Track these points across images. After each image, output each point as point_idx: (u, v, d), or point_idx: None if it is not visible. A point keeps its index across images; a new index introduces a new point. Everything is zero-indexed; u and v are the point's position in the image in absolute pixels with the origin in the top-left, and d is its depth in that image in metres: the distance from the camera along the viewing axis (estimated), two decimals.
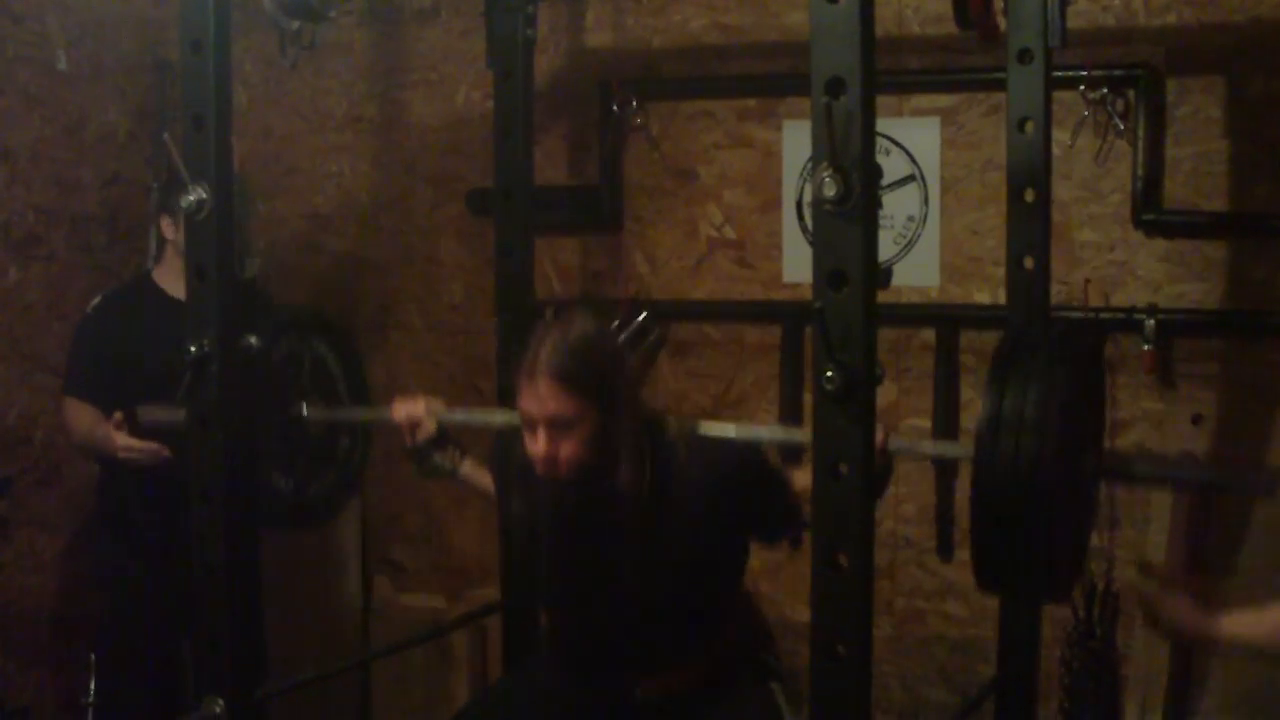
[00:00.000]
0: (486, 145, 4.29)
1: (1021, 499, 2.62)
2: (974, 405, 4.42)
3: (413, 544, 5.23)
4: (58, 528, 4.78)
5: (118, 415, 4.03)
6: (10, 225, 4.68)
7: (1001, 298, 3.85)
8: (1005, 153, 3.67)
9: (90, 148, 4.98)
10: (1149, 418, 4.26)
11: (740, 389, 4.74)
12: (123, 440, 4.04)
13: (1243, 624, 2.78)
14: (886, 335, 4.37)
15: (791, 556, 4.39)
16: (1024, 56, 3.57)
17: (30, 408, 4.66)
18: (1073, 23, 3.64)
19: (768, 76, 4.64)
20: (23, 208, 4.73)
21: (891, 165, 4.43)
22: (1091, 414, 2.95)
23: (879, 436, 2.97)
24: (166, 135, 3.05)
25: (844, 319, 2.28)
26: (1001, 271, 3.84)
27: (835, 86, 2.25)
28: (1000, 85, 3.76)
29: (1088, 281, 4.26)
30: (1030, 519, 2.63)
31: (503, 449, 3.35)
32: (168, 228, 4.24)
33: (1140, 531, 4.18)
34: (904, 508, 4.49)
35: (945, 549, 4.47)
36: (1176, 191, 4.18)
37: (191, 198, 2.91)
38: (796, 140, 4.58)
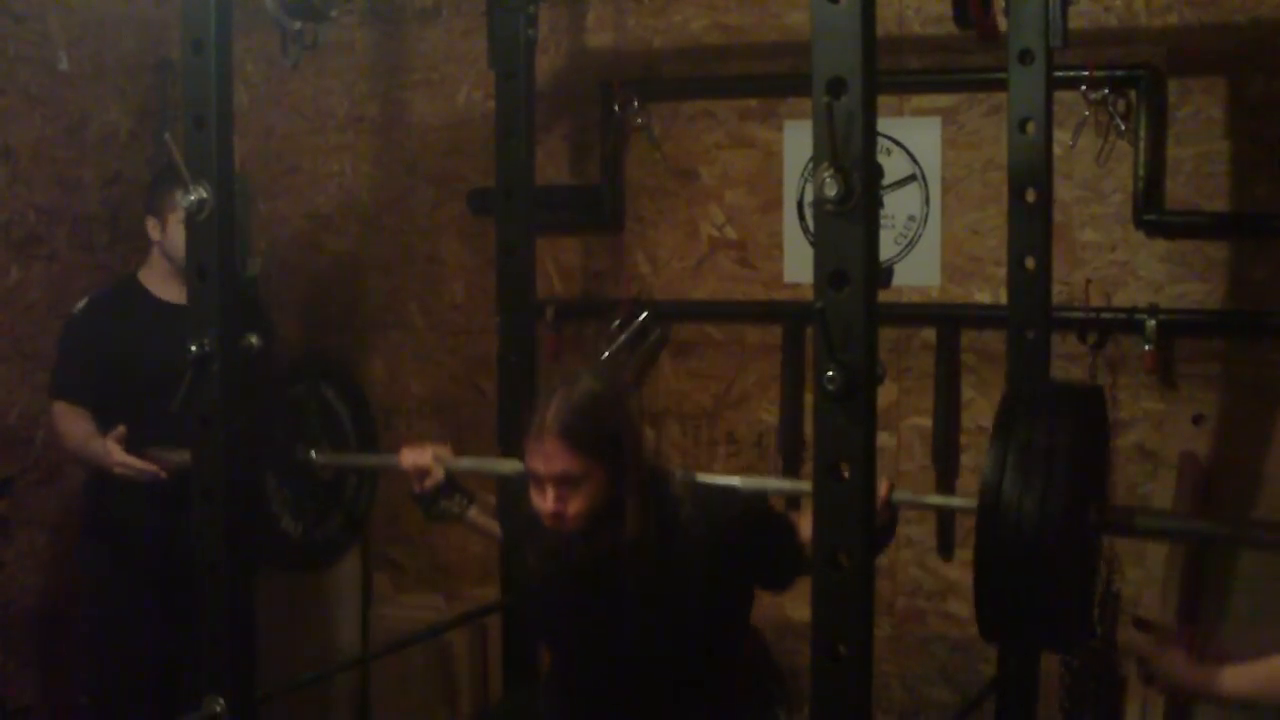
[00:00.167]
0: (488, 145, 4.29)
1: (1025, 553, 2.66)
2: (975, 405, 4.43)
3: (412, 543, 5.23)
4: (58, 527, 4.77)
5: (120, 430, 4.02)
6: (11, 225, 4.68)
7: (1002, 298, 3.85)
8: (1006, 153, 3.67)
9: (92, 147, 4.98)
10: (1150, 418, 4.26)
11: (741, 389, 4.74)
12: (120, 457, 4.02)
13: (1243, 678, 2.77)
14: (887, 335, 4.37)
15: None
16: (1025, 57, 3.57)
17: (31, 408, 4.65)
18: (1074, 23, 3.64)
19: (769, 77, 4.64)
20: (24, 207, 4.73)
21: (892, 165, 4.43)
22: (1094, 470, 2.99)
23: (883, 489, 3.02)
24: (168, 135, 3.05)
25: (845, 319, 2.28)
26: (1002, 271, 3.84)
27: (836, 86, 2.25)
28: (1001, 85, 3.76)
29: (1089, 282, 4.26)
30: (1034, 573, 2.67)
31: (510, 499, 3.37)
32: (153, 229, 4.21)
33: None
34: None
35: (946, 548, 4.47)
36: (1178, 192, 4.18)
37: (192, 197, 2.91)
38: (797, 140, 4.58)
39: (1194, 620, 3.97)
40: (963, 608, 4.47)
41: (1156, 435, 4.25)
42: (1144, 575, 4.15)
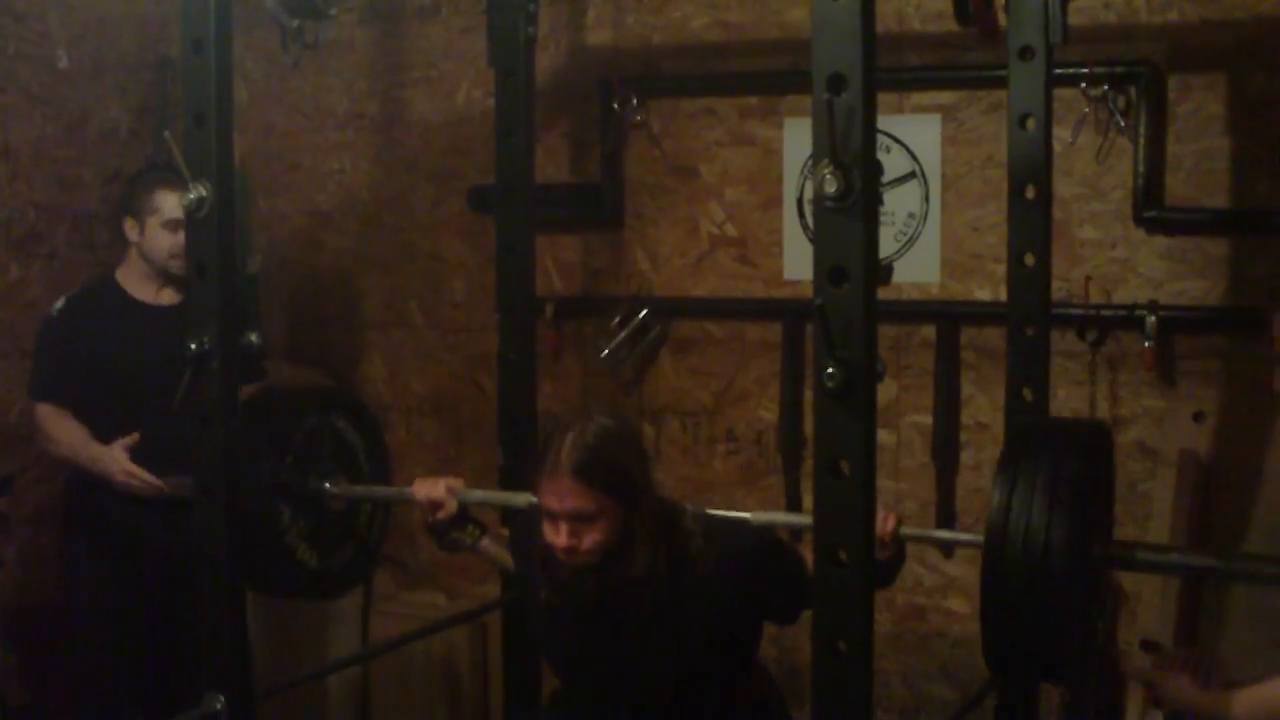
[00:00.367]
0: (488, 143, 4.29)
1: (1031, 587, 2.71)
2: (974, 402, 4.43)
3: (413, 541, 5.23)
4: (60, 526, 4.76)
5: (133, 437, 4.01)
6: (12, 223, 4.69)
7: (1002, 295, 3.85)
8: (1006, 150, 3.67)
9: (92, 145, 4.98)
10: (1150, 415, 4.26)
11: (741, 386, 4.74)
12: (127, 465, 4.03)
13: (1254, 702, 2.77)
14: (887, 332, 4.38)
15: None
16: (1025, 53, 3.56)
17: (32, 405, 4.64)
18: (1074, 19, 3.64)
19: (768, 74, 4.64)
20: (24, 205, 4.73)
21: (892, 162, 4.44)
22: (1098, 505, 3.02)
23: (890, 523, 3.06)
24: (167, 133, 3.06)
25: (845, 316, 2.27)
26: (1002, 268, 3.84)
27: (836, 83, 2.25)
28: (1001, 82, 3.76)
29: (1089, 279, 4.26)
30: (1039, 607, 2.72)
31: (523, 531, 3.41)
32: (131, 229, 4.20)
33: (1141, 529, 4.18)
34: (905, 504, 4.49)
35: (946, 546, 4.47)
36: (1178, 189, 4.18)
37: (192, 195, 2.91)
38: (797, 137, 4.58)
39: (1194, 639, 3.97)
40: (963, 604, 4.47)
41: (1156, 432, 4.25)
42: (1141, 589, 4.15)
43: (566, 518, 2.98)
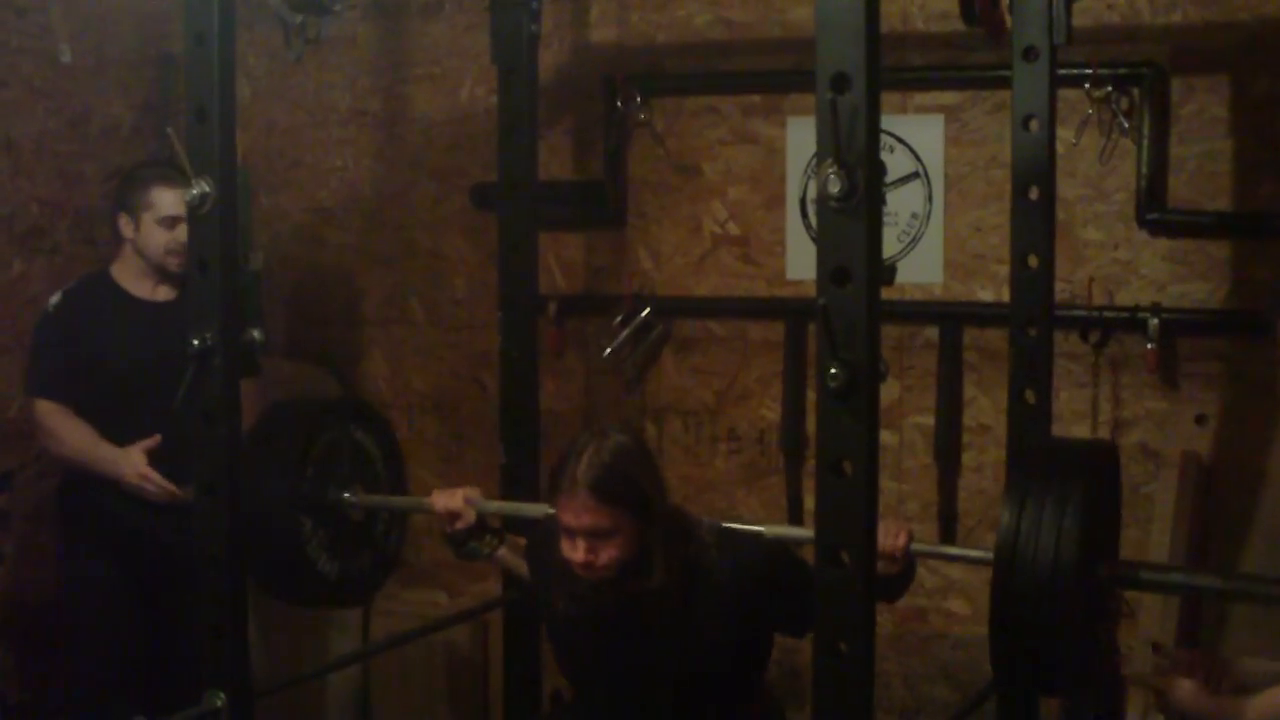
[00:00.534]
0: (491, 140, 4.29)
1: (1040, 605, 2.76)
2: (976, 403, 4.42)
3: (414, 539, 5.22)
4: (55, 521, 4.76)
5: (155, 439, 4.00)
6: (14, 218, 4.68)
7: (1005, 295, 3.85)
8: (1009, 150, 3.66)
9: (94, 140, 4.98)
10: (1152, 417, 4.26)
11: (743, 386, 4.74)
12: (143, 469, 4.01)
13: (1268, 707, 2.77)
14: (889, 332, 4.37)
15: None
16: (1029, 54, 3.56)
17: (31, 402, 4.64)
18: (1078, 20, 3.63)
19: (772, 73, 4.63)
20: (26, 200, 4.73)
21: (895, 162, 4.43)
22: (1105, 525, 3.07)
23: (902, 539, 3.08)
24: (170, 128, 3.05)
25: (848, 316, 2.27)
26: (1005, 269, 3.83)
27: (840, 83, 2.24)
28: (1005, 83, 3.76)
29: (1091, 280, 4.26)
30: (1048, 624, 2.77)
31: (540, 543, 3.44)
32: (125, 226, 4.18)
33: (1143, 531, 4.17)
34: (907, 505, 4.49)
35: (934, 557, 4.46)
36: (1181, 191, 4.18)
37: (194, 191, 2.91)
38: (800, 137, 4.58)
39: (1195, 642, 3.97)
40: (964, 606, 4.47)
41: (1158, 434, 4.24)
42: (1143, 595, 4.14)
43: (584, 534, 3.03)
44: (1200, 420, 4.19)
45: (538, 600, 3.48)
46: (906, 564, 3.17)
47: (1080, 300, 4.25)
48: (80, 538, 4.26)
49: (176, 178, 3.55)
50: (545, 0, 4.20)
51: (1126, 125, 4.20)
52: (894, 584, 3.18)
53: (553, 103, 4.77)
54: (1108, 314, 4.22)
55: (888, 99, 3.48)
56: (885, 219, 2.51)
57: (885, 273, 2.32)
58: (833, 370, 2.27)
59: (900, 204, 4.46)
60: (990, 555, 2.88)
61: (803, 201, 4.58)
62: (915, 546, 3.16)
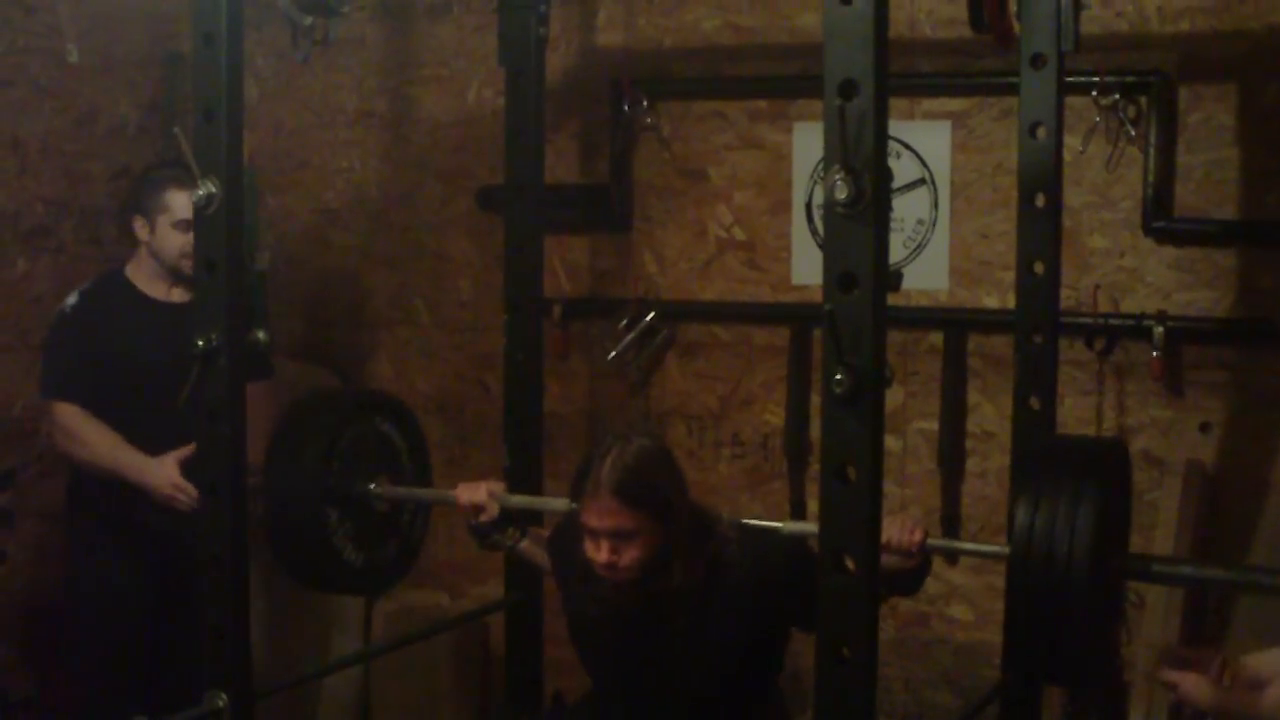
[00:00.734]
0: (497, 142, 4.28)
1: (1054, 599, 2.82)
2: (981, 409, 4.42)
3: None
4: (62, 519, 4.76)
5: (191, 448, 3.98)
6: (19, 216, 4.68)
7: (1010, 302, 3.85)
8: (1016, 157, 3.67)
9: (100, 140, 4.98)
10: (1156, 425, 4.25)
11: (748, 390, 4.73)
12: (176, 479, 4.00)
13: None
14: (894, 338, 4.37)
15: None
16: (1037, 61, 3.57)
17: (36, 400, 4.63)
18: (1086, 28, 3.63)
19: (779, 78, 4.63)
20: (32, 199, 4.73)
21: (902, 168, 4.43)
22: (1117, 522, 3.11)
23: (918, 535, 3.10)
24: (177, 128, 3.05)
25: (854, 322, 2.27)
26: (1010, 276, 3.84)
27: (848, 89, 2.25)
28: (1012, 90, 3.77)
29: (1097, 287, 4.25)
30: (1062, 617, 2.82)
31: (564, 540, 3.47)
32: (141, 229, 4.18)
33: (1147, 538, 4.17)
34: (910, 511, 4.48)
35: (950, 553, 4.46)
36: (1187, 199, 4.18)
37: (201, 191, 2.91)
38: (807, 142, 4.58)
39: (1198, 638, 3.97)
40: (966, 612, 4.47)
41: (1163, 442, 4.24)
42: (1146, 595, 4.14)
43: (607, 535, 3.08)
44: (1205, 428, 4.18)
45: (561, 598, 3.50)
46: (922, 559, 3.18)
47: (1086, 307, 4.24)
48: (89, 537, 4.26)
49: (192, 180, 3.55)
50: (553, 3, 4.20)
51: (1133, 133, 4.19)
52: (909, 579, 3.21)
53: (559, 106, 4.77)
54: (1113, 321, 4.22)
55: (895, 105, 3.48)
56: (891, 225, 2.51)
57: (892, 279, 2.32)
58: (838, 376, 2.27)
59: (906, 210, 4.46)
60: (1005, 550, 2.93)
61: (808, 207, 4.58)
62: (931, 542, 3.16)
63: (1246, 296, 4.14)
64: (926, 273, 4.45)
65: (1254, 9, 4.08)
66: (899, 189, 4.41)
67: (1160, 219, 4.17)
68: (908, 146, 4.46)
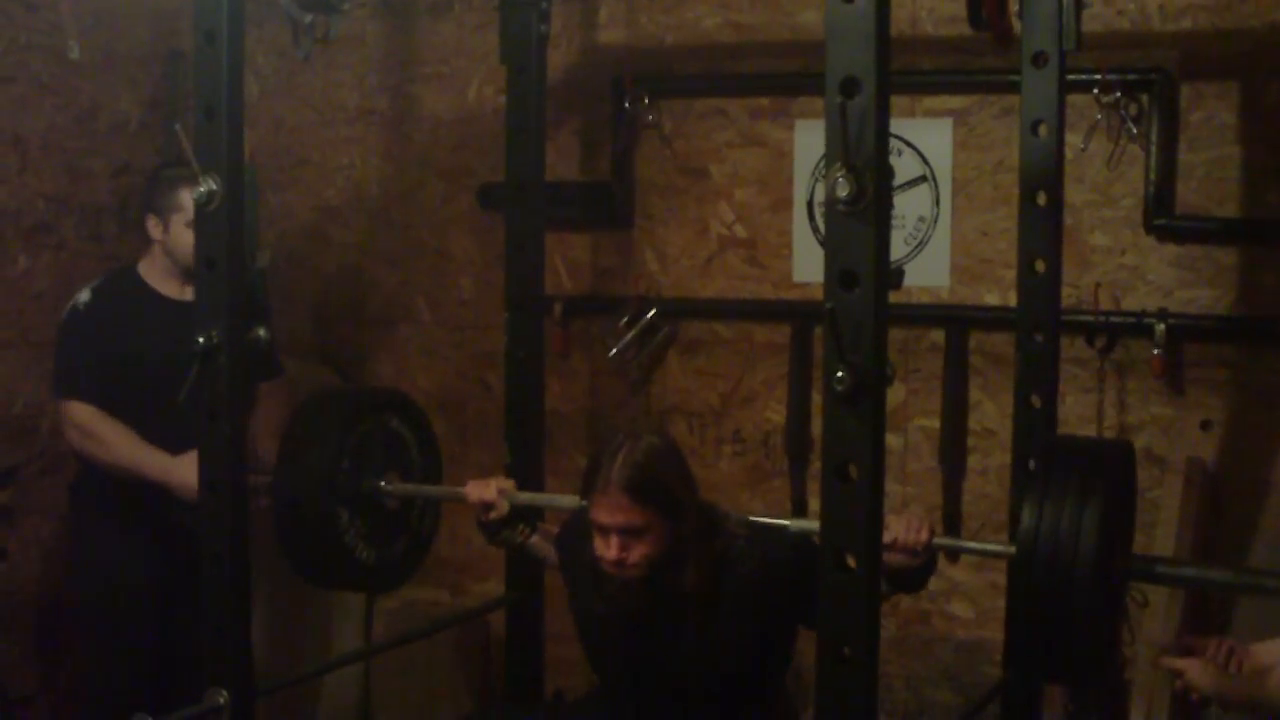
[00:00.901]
0: (498, 140, 4.28)
1: (1058, 599, 2.83)
2: (982, 407, 4.42)
3: None
4: (63, 517, 4.76)
5: None
6: (20, 213, 4.68)
7: (1011, 300, 3.85)
8: (1018, 155, 3.67)
9: (101, 137, 4.98)
10: (1157, 422, 4.25)
11: (749, 388, 4.73)
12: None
13: None
14: (895, 335, 4.36)
15: None
16: (1038, 59, 3.57)
17: (37, 396, 4.65)
18: (1087, 26, 3.63)
19: (781, 75, 4.63)
20: (33, 196, 4.73)
21: (903, 166, 4.43)
22: (1122, 522, 3.11)
23: (924, 534, 3.10)
24: (178, 125, 3.05)
25: (855, 319, 2.27)
26: (1011, 273, 3.84)
27: (850, 86, 2.25)
28: (1014, 88, 3.77)
29: (1098, 285, 4.25)
30: (1066, 617, 2.84)
31: (573, 538, 3.48)
32: (154, 227, 4.17)
33: (1148, 536, 4.17)
34: (910, 509, 4.48)
35: (955, 552, 4.46)
36: (1189, 197, 4.17)
37: (202, 188, 2.91)
38: (808, 140, 4.58)
39: (1200, 629, 3.97)
40: (967, 609, 4.47)
41: (1164, 440, 4.24)
42: (1148, 595, 4.13)
43: (616, 531, 3.09)
44: (1205, 426, 4.18)
45: (568, 595, 3.51)
46: (928, 558, 3.19)
47: (1087, 305, 4.24)
48: (94, 533, 4.26)
49: None
50: (555, 1, 4.20)
51: (1135, 131, 4.19)
52: (915, 577, 3.21)
53: (561, 103, 4.77)
54: (1114, 319, 4.22)
55: (896, 102, 3.49)
56: (892, 222, 2.51)
57: (894, 277, 2.32)
58: (839, 373, 2.27)
59: (907, 207, 4.46)
60: (1010, 550, 2.94)
61: (809, 204, 4.58)
62: (937, 540, 3.16)
63: (1248, 294, 4.14)
64: (928, 270, 4.45)
65: (1255, 7, 4.08)
66: (900, 186, 4.41)
67: (1162, 217, 4.17)
68: (909, 144, 4.46)
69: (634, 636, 3.29)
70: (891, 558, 2.95)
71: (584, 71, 4.87)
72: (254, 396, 4.10)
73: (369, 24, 5.17)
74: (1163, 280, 4.23)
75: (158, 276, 4.21)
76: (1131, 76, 4.17)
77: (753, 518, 3.38)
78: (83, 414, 4.10)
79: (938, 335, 4.46)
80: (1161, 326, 4.13)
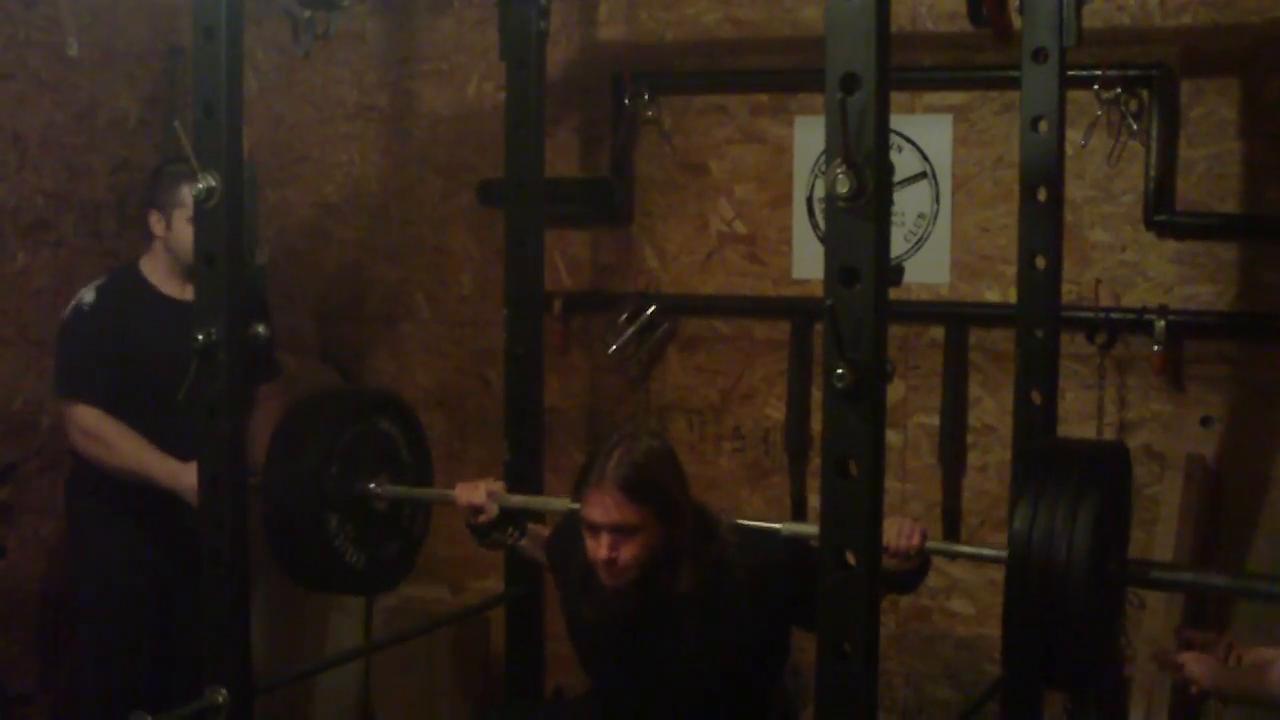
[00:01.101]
0: (498, 136, 4.28)
1: (1052, 604, 2.80)
2: (982, 403, 4.41)
3: None
4: (62, 514, 4.76)
5: None
6: (19, 210, 4.68)
7: (1011, 296, 3.84)
8: (1018, 151, 3.67)
9: (100, 133, 4.97)
10: (1158, 419, 4.25)
11: (748, 385, 4.73)
12: None
13: None
14: (895, 332, 4.36)
15: None
16: (1038, 55, 3.56)
17: (36, 394, 4.65)
18: (1088, 22, 3.63)
19: (780, 72, 4.63)
20: (32, 193, 4.72)
21: (903, 162, 4.42)
22: (1116, 526, 3.10)
23: (915, 538, 3.10)
24: (177, 122, 3.05)
25: (855, 316, 2.27)
26: (1011, 270, 3.83)
27: (850, 83, 2.24)
28: (1014, 84, 3.76)
29: (1098, 282, 4.25)
30: (1060, 622, 2.81)
31: (564, 541, 3.48)
32: (156, 224, 4.16)
33: (1148, 533, 4.17)
34: (910, 505, 4.48)
35: (948, 555, 4.45)
36: (1189, 193, 4.17)
37: (201, 185, 2.91)
38: (808, 136, 4.57)
39: (1201, 625, 3.97)
40: (967, 606, 4.47)
41: (1164, 437, 4.24)
42: (1147, 597, 4.13)
43: (609, 530, 3.08)
44: (1206, 423, 4.18)
45: (559, 597, 3.50)
46: (923, 562, 3.19)
47: (1087, 301, 4.24)
48: (91, 531, 4.25)
49: None
50: None
51: (1135, 127, 4.19)
52: (908, 579, 3.22)
53: (560, 100, 4.76)
54: (1114, 315, 4.21)
55: (895, 98, 3.48)
56: (892, 219, 2.52)
57: (894, 274, 2.32)
58: (839, 370, 2.26)
59: (907, 204, 4.45)
60: (1003, 553, 2.91)
61: (809, 201, 4.58)
62: (930, 545, 3.16)
63: (1248, 290, 4.14)
64: (928, 267, 4.44)
65: (1256, 3, 4.07)
66: (900, 183, 4.41)
67: (1162, 213, 4.16)
68: (909, 140, 4.45)
69: (625, 641, 3.28)
70: (884, 561, 2.94)
71: (583, 68, 4.87)
72: (253, 399, 4.08)
73: (368, 20, 5.17)
74: (1163, 276, 4.22)
75: (160, 275, 4.20)
76: (1132, 72, 4.16)
77: (744, 521, 3.36)
78: (89, 417, 4.08)
79: (938, 332, 4.46)
80: (1162, 323, 4.13)
